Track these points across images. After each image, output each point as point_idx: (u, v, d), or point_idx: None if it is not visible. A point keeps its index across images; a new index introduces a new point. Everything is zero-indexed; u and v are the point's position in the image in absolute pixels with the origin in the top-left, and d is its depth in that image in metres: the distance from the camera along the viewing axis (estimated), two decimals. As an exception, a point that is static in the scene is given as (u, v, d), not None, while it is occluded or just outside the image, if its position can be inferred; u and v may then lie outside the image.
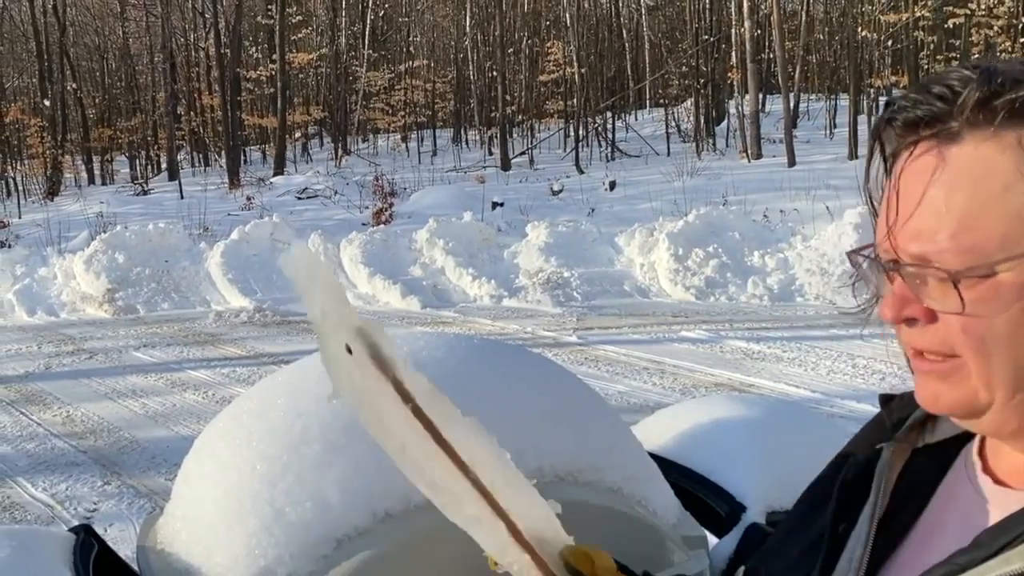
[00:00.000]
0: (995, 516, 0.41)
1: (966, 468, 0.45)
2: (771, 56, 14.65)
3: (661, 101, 17.70)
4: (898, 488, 0.47)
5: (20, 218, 11.66)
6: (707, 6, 15.84)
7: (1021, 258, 0.38)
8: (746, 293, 6.29)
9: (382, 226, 8.85)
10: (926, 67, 13.16)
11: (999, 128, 0.39)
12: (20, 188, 14.63)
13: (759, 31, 13.87)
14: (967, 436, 0.47)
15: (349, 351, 0.48)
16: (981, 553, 0.39)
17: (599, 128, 15.40)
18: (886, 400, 0.52)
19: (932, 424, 0.49)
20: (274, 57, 15.18)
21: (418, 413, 0.49)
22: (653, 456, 0.96)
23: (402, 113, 17.64)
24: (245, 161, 16.08)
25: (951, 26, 12.14)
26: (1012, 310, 0.39)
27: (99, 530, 1.05)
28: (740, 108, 12.60)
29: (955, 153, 0.40)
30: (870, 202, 0.46)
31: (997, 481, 0.43)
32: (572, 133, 14.49)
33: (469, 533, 0.53)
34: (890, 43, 13.79)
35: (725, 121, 15.09)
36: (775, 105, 14.65)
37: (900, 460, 0.48)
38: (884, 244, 0.42)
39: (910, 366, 0.47)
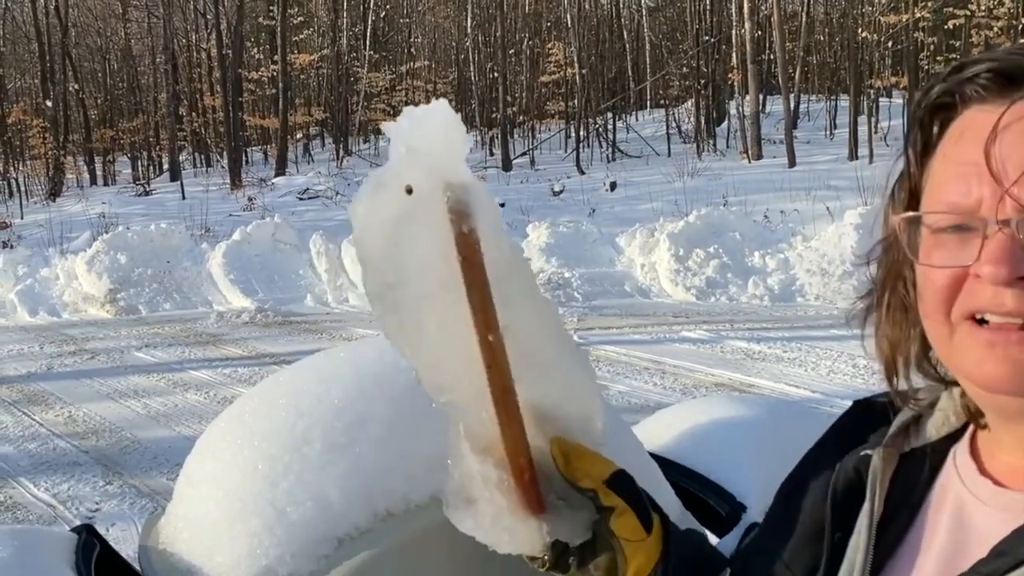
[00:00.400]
0: (998, 518, 0.41)
1: (958, 471, 0.45)
2: (771, 57, 14.64)
3: (662, 102, 17.70)
4: (890, 494, 0.46)
5: (22, 219, 11.69)
6: (708, 7, 15.84)
7: None
8: (747, 293, 6.29)
9: (383, 227, 8.84)
10: (926, 68, 13.16)
11: None
12: (22, 189, 14.67)
13: (759, 32, 13.86)
14: (952, 439, 0.47)
15: (409, 192, 0.49)
16: (1005, 562, 0.37)
17: (600, 129, 15.40)
18: (862, 405, 0.51)
19: (915, 428, 0.48)
20: (276, 58, 15.21)
21: (469, 267, 0.50)
22: (654, 456, 0.96)
23: (403, 114, 17.63)
24: (247, 162, 16.09)
25: (951, 27, 12.15)
26: None
27: (101, 530, 1.05)
28: (740, 109, 12.60)
29: None
30: (909, 166, 0.44)
31: (997, 483, 0.42)
32: (573, 134, 14.49)
33: (404, 354, 0.53)
34: (890, 44, 13.79)
35: (726, 122, 15.09)
36: (775, 106, 14.64)
37: (890, 466, 0.47)
38: (985, 201, 0.39)
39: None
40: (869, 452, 0.47)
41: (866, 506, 0.46)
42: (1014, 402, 0.41)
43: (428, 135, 0.50)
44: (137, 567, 0.94)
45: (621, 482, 0.54)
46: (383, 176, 0.50)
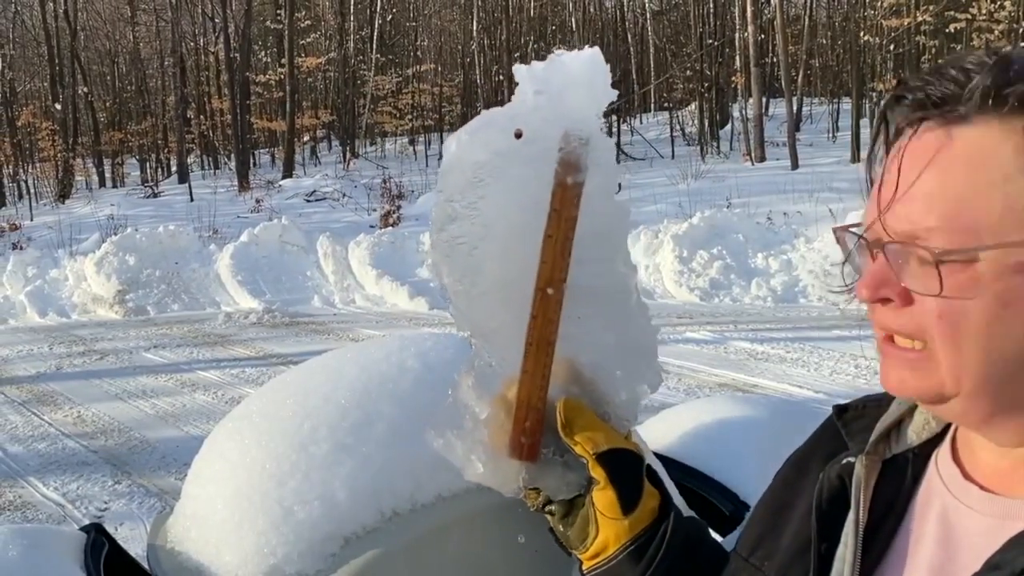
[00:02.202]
0: (986, 525, 0.40)
1: (941, 477, 0.44)
2: (774, 60, 14.60)
3: (666, 105, 17.69)
4: (875, 502, 0.46)
5: (32, 220, 11.79)
6: (711, 11, 15.82)
7: (1006, 247, 0.37)
8: (750, 294, 6.28)
9: (390, 228, 8.89)
10: (929, 71, 13.10)
11: (1007, 117, 0.38)
12: (32, 191, 14.80)
13: (762, 35, 13.80)
14: (933, 443, 0.47)
15: (518, 136, 0.49)
16: (999, 575, 0.37)
17: (604, 131, 15.38)
18: (841, 410, 0.51)
19: (896, 434, 0.48)
20: (283, 61, 15.28)
21: (558, 219, 0.49)
22: (658, 455, 0.97)
23: (409, 117, 17.69)
24: (254, 164, 16.18)
25: (952, 30, 12.08)
26: (988, 300, 0.38)
27: (110, 529, 1.06)
28: (744, 111, 12.57)
29: (959, 136, 0.39)
30: (868, 182, 0.45)
31: (983, 488, 0.42)
32: (578, 136, 14.48)
33: (442, 280, 0.53)
34: (892, 47, 13.73)
35: (729, 124, 15.07)
36: (778, 109, 14.60)
37: (873, 473, 0.46)
38: (873, 222, 0.41)
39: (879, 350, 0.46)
40: (852, 459, 0.47)
41: (851, 515, 0.45)
42: (932, 408, 0.42)
43: (567, 81, 0.48)
44: (146, 566, 0.95)
45: (611, 459, 0.54)
46: (494, 116, 0.50)
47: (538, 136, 0.49)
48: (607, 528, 0.55)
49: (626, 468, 0.55)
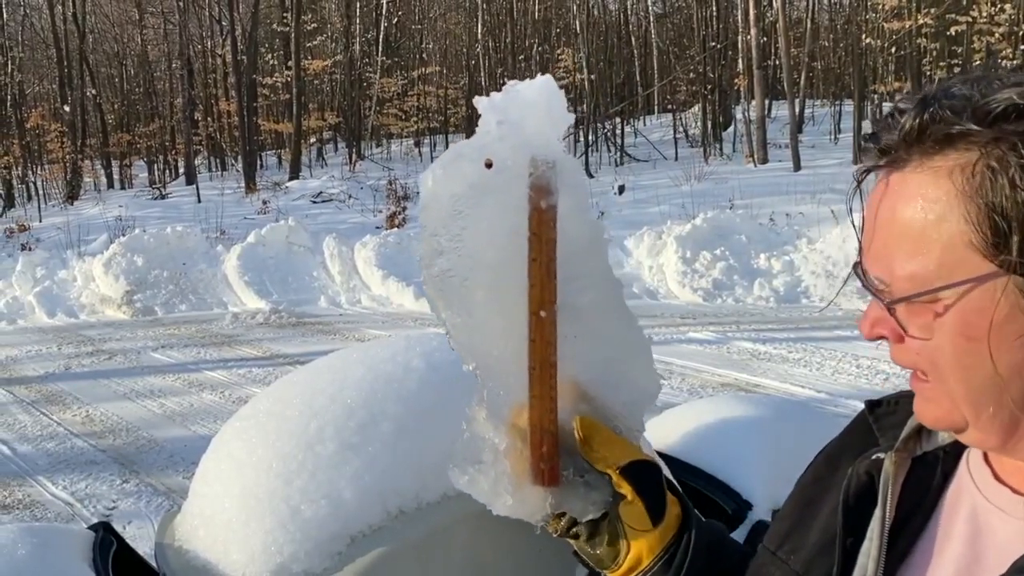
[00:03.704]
0: (1016, 527, 0.40)
1: (972, 477, 0.44)
2: (777, 63, 14.56)
3: (669, 107, 17.64)
4: (903, 498, 0.45)
5: (40, 222, 11.87)
6: (714, 14, 15.80)
7: (957, 286, 0.38)
8: (752, 295, 6.27)
9: (396, 229, 8.91)
10: (928, 73, 13.07)
11: (931, 157, 0.39)
12: (40, 192, 14.92)
13: (765, 38, 13.77)
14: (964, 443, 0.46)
15: (488, 166, 0.50)
16: None
17: (608, 133, 15.38)
18: (873, 405, 0.51)
19: (928, 432, 0.48)
20: (290, 63, 15.35)
21: (538, 242, 0.50)
22: (662, 454, 0.97)
23: (415, 119, 17.73)
24: (261, 166, 16.24)
25: (953, 33, 12.01)
26: (952, 336, 0.39)
27: (118, 528, 1.07)
28: (747, 114, 12.54)
29: (896, 181, 0.41)
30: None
31: (1015, 491, 0.41)
32: (582, 138, 14.48)
33: (439, 315, 0.53)
34: (893, 50, 13.68)
35: (732, 126, 15.04)
36: (781, 111, 14.54)
37: (902, 470, 0.46)
38: (862, 264, 0.43)
39: None
40: (881, 456, 0.47)
41: (878, 511, 0.45)
42: (959, 437, 0.42)
43: (525, 109, 0.50)
44: (153, 564, 0.96)
45: (635, 472, 0.54)
46: (463, 149, 0.51)
47: (507, 164, 0.50)
48: (639, 541, 0.54)
49: (649, 479, 0.55)
